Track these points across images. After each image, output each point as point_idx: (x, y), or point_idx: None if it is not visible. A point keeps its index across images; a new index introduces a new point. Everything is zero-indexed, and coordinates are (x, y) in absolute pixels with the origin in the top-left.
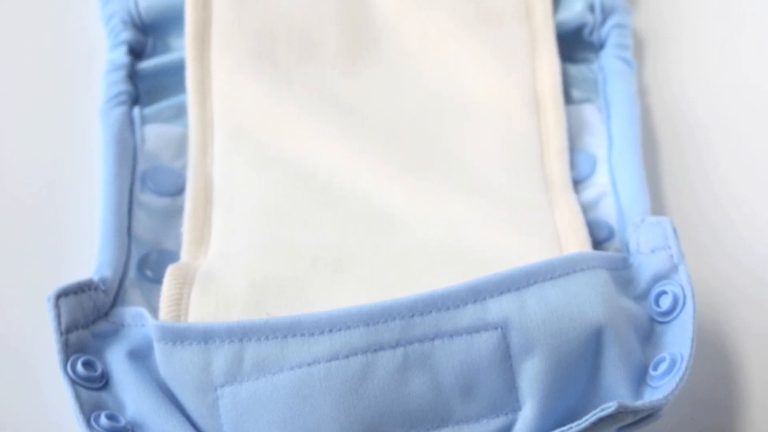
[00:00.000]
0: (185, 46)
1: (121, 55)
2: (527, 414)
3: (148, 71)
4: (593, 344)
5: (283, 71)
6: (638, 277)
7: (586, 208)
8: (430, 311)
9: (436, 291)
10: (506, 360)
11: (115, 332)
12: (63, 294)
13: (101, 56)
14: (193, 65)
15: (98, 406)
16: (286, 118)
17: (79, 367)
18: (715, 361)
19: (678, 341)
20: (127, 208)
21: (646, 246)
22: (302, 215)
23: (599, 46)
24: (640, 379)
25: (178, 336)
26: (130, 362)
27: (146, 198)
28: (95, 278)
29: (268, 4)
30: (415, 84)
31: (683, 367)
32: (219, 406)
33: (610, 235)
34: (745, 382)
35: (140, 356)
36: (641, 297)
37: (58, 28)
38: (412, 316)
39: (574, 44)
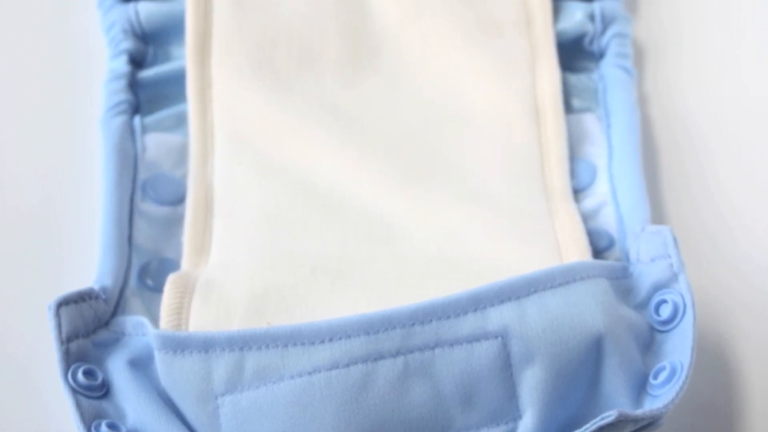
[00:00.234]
0: (186, 55)
1: (122, 65)
2: (527, 423)
3: (149, 80)
4: (593, 353)
5: (283, 80)
6: (638, 286)
7: (586, 217)
8: (431, 320)
9: (437, 300)
10: (506, 369)
11: (115, 341)
12: (64, 303)
13: (102, 65)
14: (193, 74)
15: (99, 415)
16: (286, 127)
17: (80, 376)
18: (715, 370)
19: (678, 350)
20: (127, 217)
21: (646, 255)
22: (302, 224)
23: (599, 56)
24: (640, 387)
25: (178, 345)
26: (130, 371)
27: (147, 207)
28: (96, 287)
29: (268, 13)
30: (415, 93)
31: (683, 375)
32: (219, 414)
33: (611, 244)
34: (745, 390)
35: (141, 365)
36: (641, 306)
37: (58, 38)
38: (413, 324)
39: (574, 53)
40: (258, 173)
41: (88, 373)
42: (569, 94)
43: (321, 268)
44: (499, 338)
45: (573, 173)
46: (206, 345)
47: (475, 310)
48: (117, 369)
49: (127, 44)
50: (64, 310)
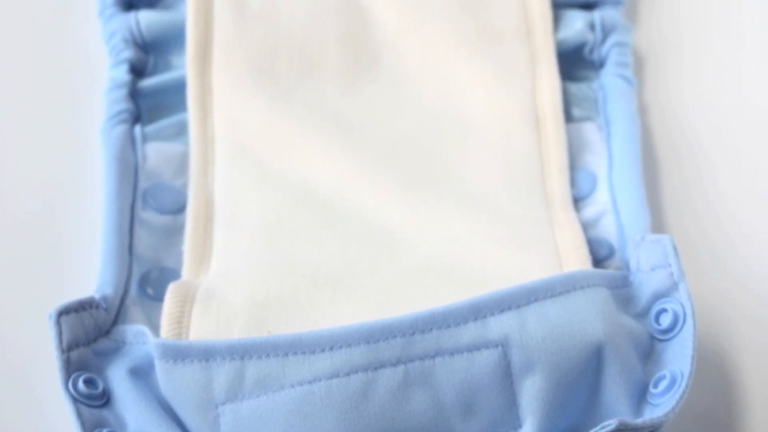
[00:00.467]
0: (186, 64)
1: (123, 74)
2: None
3: (150, 89)
4: (594, 362)
5: (283, 89)
6: (638, 294)
7: (586, 226)
8: (431, 329)
9: (437, 309)
10: (507, 378)
11: (116, 350)
12: (64, 312)
13: (102, 74)
14: (194, 83)
15: (100, 424)
16: (287, 136)
17: (81, 385)
18: (715, 379)
19: (678, 359)
20: (128, 226)
21: (647, 264)
22: (303, 233)
23: (599, 65)
24: (640, 396)
25: (179, 354)
26: (131, 380)
27: (147, 216)
28: (96, 296)
29: (268, 22)
30: (415, 102)
31: (683, 384)
32: (220, 423)
33: (611, 253)
34: (745, 399)
35: (141, 374)
36: (641, 315)
37: (59, 47)
38: (413, 333)
39: (574, 62)
40: (258, 182)
41: (88, 382)
42: (569, 103)
43: (321, 277)
44: (500, 347)
45: (573, 182)
46: (207, 354)
47: (476, 319)
48: (118, 378)
49: (128, 53)
50: (64, 319)
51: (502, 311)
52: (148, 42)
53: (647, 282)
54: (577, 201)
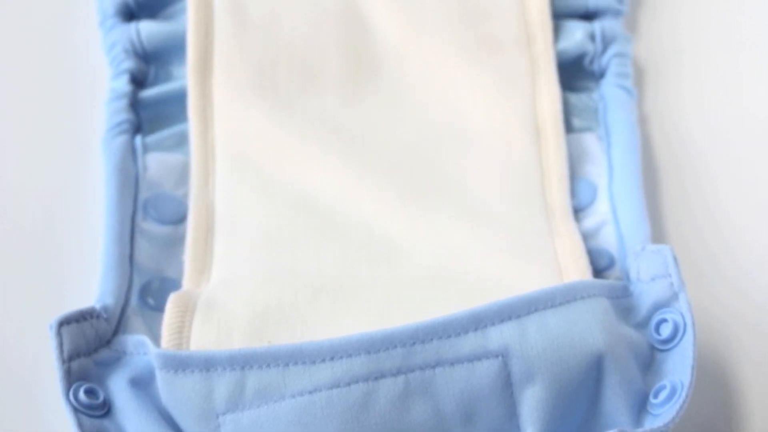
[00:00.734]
0: (187, 75)
1: (123, 84)
2: None
3: (150, 100)
4: (594, 372)
5: (284, 99)
6: (639, 305)
7: (586, 237)
8: (432, 339)
9: (437, 319)
10: (507, 388)
11: (117, 360)
12: (65, 322)
13: (103, 85)
14: (194, 94)
15: None
16: (287, 147)
17: (82, 395)
18: (715, 389)
19: (678, 369)
20: (129, 236)
21: (647, 274)
22: (303, 243)
23: (600, 75)
24: (640, 406)
25: (180, 364)
26: (132, 390)
27: (148, 226)
28: (97, 306)
29: (269, 33)
30: (415, 112)
31: (683, 394)
32: None
33: (611, 263)
34: (745, 409)
35: (142, 384)
36: (642, 325)
37: (60, 57)
38: (414, 344)
39: (574, 73)
40: (259, 192)
41: (89, 392)
42: (570, 114)
43: (322, 287)
44: (500, 357)
45: (573, 192)
46: (207, 364)
47: (476, 329)
48: (118, 388)
49: (129, 64)
50: (65, 329)
51: (502, 321)
52: (148, 52)
53: (647, 292)
54: (578, 211)
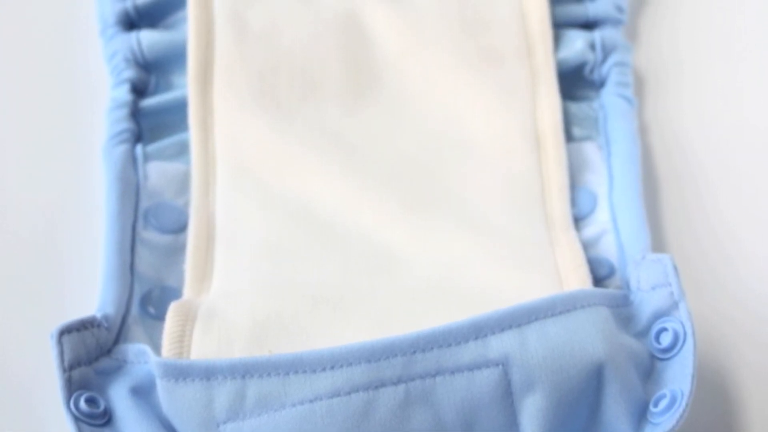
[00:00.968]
0: (188, 84)
1: (124, 93)
2: None
3: (151, 109)
4: (594, 381)
5: (285, 110)
6: (639, 314)
7: (586, 246)
8: (432, 348)
9: (438, 328)
10: (507, 396)
11: (117, 369)
12: (66, 331)
13: (104, 94)
14: (195, 103)
15: None
16: (288, 157)
17: (82, 404)
18: (715, 398)
19: (678, 378)
20: (129, 245)
21: (647, 283)
22: (304, 253)
23: (600, 84)
24: (640, 415)
25: (180, 373)
26: (132, 399)
27: (149, 235)
28: (98, 315)
29: (270, 43)
30: (416, 122)
31: (683, 403)
32: None
33: (611, 272)
34: (745, 418)
35: (143, 393)
36: (642, 334)
37: (61, 66)
38: (414, 352)
39: (575, 82)
40: (259, 202)
41: (90, 401)
42: (570, 123)
43: (322, 296)
44: (500, 366)
45: (574, 202)
46: (208, 373)
47: (476, 338)
48: (119, 397)
49: (129, 73)
50: (66, 338)
51: (502, 330)
52: (149, 62)
53: (647, 301)
54: (578, 220)
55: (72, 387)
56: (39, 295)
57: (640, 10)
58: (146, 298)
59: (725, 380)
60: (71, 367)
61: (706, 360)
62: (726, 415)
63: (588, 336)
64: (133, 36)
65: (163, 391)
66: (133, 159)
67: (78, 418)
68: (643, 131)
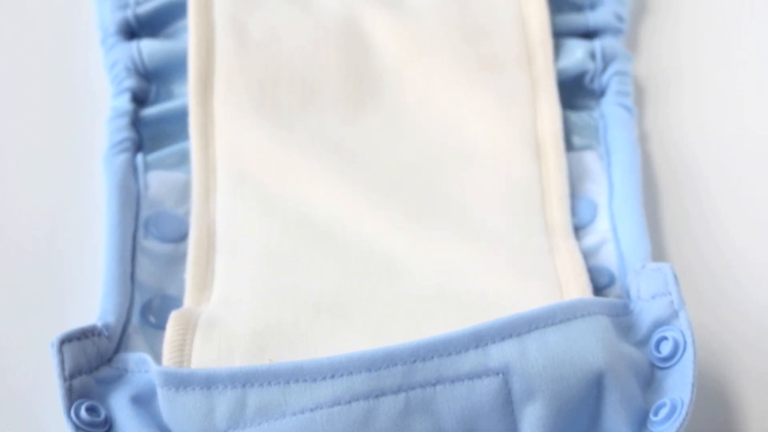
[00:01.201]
0: (188, 93)
1: (125, 102)
2: None
3: (152, 118)
4: (594, 390)
5: (285, 118)
6: (639, 323)
7: (587, 255)
8: (432, 357)
9: (438, 337)
10: (508, 405)
11: (118, 378)
12: (66, 340)
13: (104, 103)
14: (196, 112)
15: None
16: (288, 165)
17: (83, 413)
18: (715, 407)
19: (678, 387)
20: (130, 254)
21: (647, 292)
22: (304, 261)
23: (600, 93)
24: (640, 424)
25: (181, 382)
26: (133, 408)
27: (149, 244)
28: (99, 324)
29: (270, 51)
30: (416, 130)
31: (684, 412)
32: None
33: (611, 281)
34: (744, 427)
35: (143, 402)
36: (642, 343)
37: (61, 76)
38: (414, 361)
39: (575, 91)
40: (260, 210)
41: (91, 410)
42: (570, 132)
43: (322, 305)
44: (500, 375)
45: (574, 211)
46: (208, 382)
47: (477, 346)
48: (120, 406)
49: (130, 82)
50: (67, 347)
51: (503, 339)
52: (150, 71)
53: (648, 310)
54: (578, 229)
55: (73, 396)
56: (40, 303)
57: (641, 19)
58: (147, 307)
59: (725, 389)
60: (72, 376)
61: (706, 369)
62: (726, 424)
63: (588, 345)
64: (133, 45)
65: (163, 400)
66: (134, 168)
67: (79, 427)
68: (643, 140)
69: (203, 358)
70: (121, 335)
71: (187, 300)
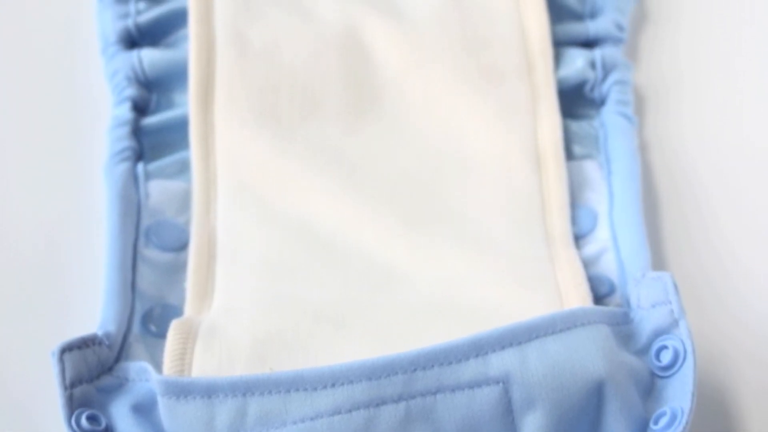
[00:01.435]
0: (189, 102)
1: (126, 112)
2: None
3: (152, 127)
4: (594, 398)
5: (286, 128)
6: (639, 331)
7: (587, 264)
8: (432, 366)
9: (438, 345)
10: (508, 414)
11: (119, 386)
12: (67, 349)
13: (105, 112)
14: (196, 121)
15: None
16: (288, 175)
17: (84, 422)
18: (715, 416)
19: (678, 395)
20: (131, 263)
21: (647, 301)
22: (305, 270)
23: (600, 103)
24: None
25: (181, 390)
26: (134, 416)
27: (150, 253)
28: (99, 333)
29: (271, 61)
30: (416, 140)
31: (684, 421)
32: None
33: (611, 290)
34: None
35: (144, 410)
36: (642, 351)
37: (62, 85)
38: (414, 370)
39: (575, 100)
40: (260, 219)
41: (91, 419)
42: (570, 141)
43: (323, 314)
44: (501, 384)
45: (574, 220)
46: (209, 390)
47: (477, 355)
48: (120, 414)
49: (131, 91)
50: (67, 356)
51: (503, 348)
52: (150, 80)
53: (648, 319)
54: (578, 238)
55: (73, 405)
56: (41, 312)
57: (641, 28)
58: (147, 316)
59: (725, 398)
60: (73, 385)
61: (707, 377)
62: None
63: (588, 354)
64: (134, 54)
65: (164, 408)
66: (135, 177)
67: None
68: (643, 149)
69: (204, 366)
70: (122, 344)
71: (188, 309)
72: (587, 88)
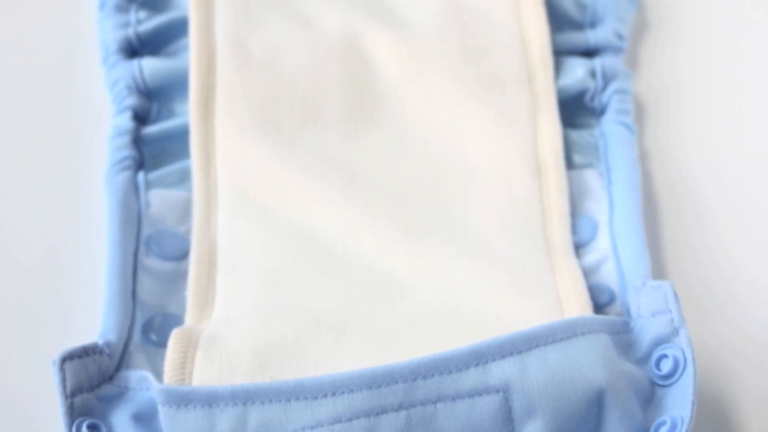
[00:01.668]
0: (189, 112)
1: (126, 121)
2: None
3: (153, 136)
4: (594, 407)
5: (286, 136)
6: (639, 340)
7: (587, 273)
8: (433, 375)
9: (439, 354)
10: (508, 423)
11: (119, 395)
12: (68, 358)
13: (106, 122)
14: (197, 130)
15: None
16: (289, 183)
17: (85, 431)
18: (715, 424)
19: (678, 404)
20: (131, 272)
21: (647, 310)
22: (305, 279)
23: (600, 112)
24: None
25: (182, 399)
26: (134, 425)
27: (151, 262)
28: (100, 342)
29: (272, 70)
30: (417, 148)
31: (684, 430)
32: None
33: (611, 299)
34: None
35: (145, 419)
36: (642, 360)
37: (63, 94)
38: (415, 379)
39: (575, 109)
40: (261, 228)
41: (92, 428)
42: (570, 150)
43: (323, 322)
44: (501, 393)
45: (574, 229)
46: (210, 399)
47: (477, 364)
48: (121, 423)
49: (132, 100)
50: (68, 365)
51: (503, 357)
52: (151, 89)
53: (648, 328)
54: (578, 247)
55: (74, 413)
56: (41, 321)
57: (641, 37)
58: (148, 325)
59: (725, 406)
60: (73, 394)
61: (707, 386)
62: None
63: (588, 363)
64: (135, 63)
65: (165, 417)
66: (135, 186)
67: None
68: (643, 158)
69: (204, 375)
70: (123, 353)
71: (188, 318)
72: (587, 97)
